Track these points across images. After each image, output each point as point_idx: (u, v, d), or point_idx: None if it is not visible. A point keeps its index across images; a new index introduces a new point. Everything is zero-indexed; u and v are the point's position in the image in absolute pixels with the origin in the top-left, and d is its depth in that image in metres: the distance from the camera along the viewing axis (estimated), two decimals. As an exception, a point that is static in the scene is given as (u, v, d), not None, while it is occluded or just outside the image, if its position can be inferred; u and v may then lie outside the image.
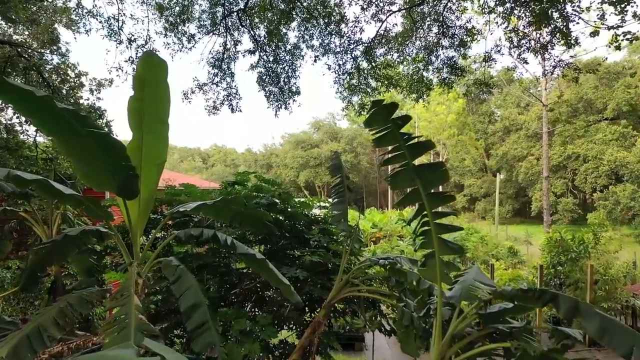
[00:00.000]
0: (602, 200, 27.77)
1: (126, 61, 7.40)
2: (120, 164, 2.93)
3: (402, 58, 7.95)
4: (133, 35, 7.03)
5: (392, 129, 2.44)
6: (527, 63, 7.01)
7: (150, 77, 3.10)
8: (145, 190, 3.31)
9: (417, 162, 2.50)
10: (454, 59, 7.60)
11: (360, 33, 7.48)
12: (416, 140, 2.42)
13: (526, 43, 6.74)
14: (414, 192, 2.58)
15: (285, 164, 51.02)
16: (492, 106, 45.74)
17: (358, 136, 50.99)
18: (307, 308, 4.59)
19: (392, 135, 2.48)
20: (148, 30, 7.40)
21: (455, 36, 7.36)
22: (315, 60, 7.68)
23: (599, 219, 10.34)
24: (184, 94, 7.96)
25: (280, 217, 5.10)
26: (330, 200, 4.85)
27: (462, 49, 7.45)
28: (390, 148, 2.62)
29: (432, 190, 2.53)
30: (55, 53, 8.53)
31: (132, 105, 3.10)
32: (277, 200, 4.97)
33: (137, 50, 7.06)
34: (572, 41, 6.10)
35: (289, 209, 5.17)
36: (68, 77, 7.08)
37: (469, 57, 7.76)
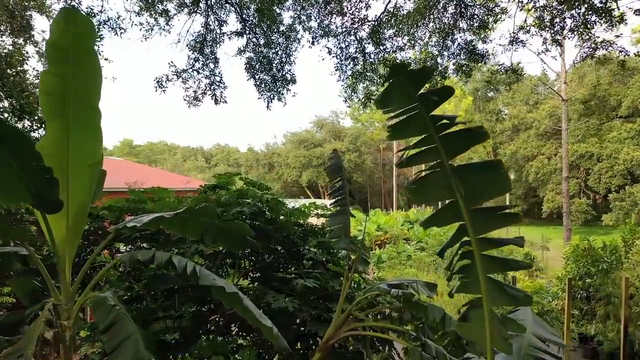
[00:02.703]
0: (619, 202, 26.59)
1: None
2: (30, 164, 2.05)
3: (413, 42, 7.01)
4: (92, 10, 6.07)
5: (419, 109, 1.56)
6: (561, 45, 6.06)
7: (72, 44, 2.21)
8: (75, 201, 2.44)
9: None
10: (473, 43, 6.66)
11: (366, 10, 6.54)
12: (459, 127, 1.53)
13: (560, 22, 5.78)
14: (451, 206, 1.69)
15: (287, 163, 50.20)
16: (500, 104, 44.67)
17: (362, 135, 50.19)
18: (299, 343, 3.71)
19: (418, 120, 1.60)
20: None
21: (475, 17, 6.42)
22: (312, 43, 6.73)
23: (630, 224, 9.35)
24: (158, 82, 6.89)
25: (270, 228, 4.24)
26: (329, 205, 3.97)
27: (482, 31, 6.51)
28: (401, 145, 1.73)
29: (482, 205, 1.64)
30: (28, 40, 7.74)
31: (47, 84, 2.21)
32: (264, 208, 4.09)
33: (99, 28, 6.10)
34: (617, 19, 5.14)
35: (280, 218, 4.30)
36: (13, 61, 6.17)
37: (490, 40, 6.81)
